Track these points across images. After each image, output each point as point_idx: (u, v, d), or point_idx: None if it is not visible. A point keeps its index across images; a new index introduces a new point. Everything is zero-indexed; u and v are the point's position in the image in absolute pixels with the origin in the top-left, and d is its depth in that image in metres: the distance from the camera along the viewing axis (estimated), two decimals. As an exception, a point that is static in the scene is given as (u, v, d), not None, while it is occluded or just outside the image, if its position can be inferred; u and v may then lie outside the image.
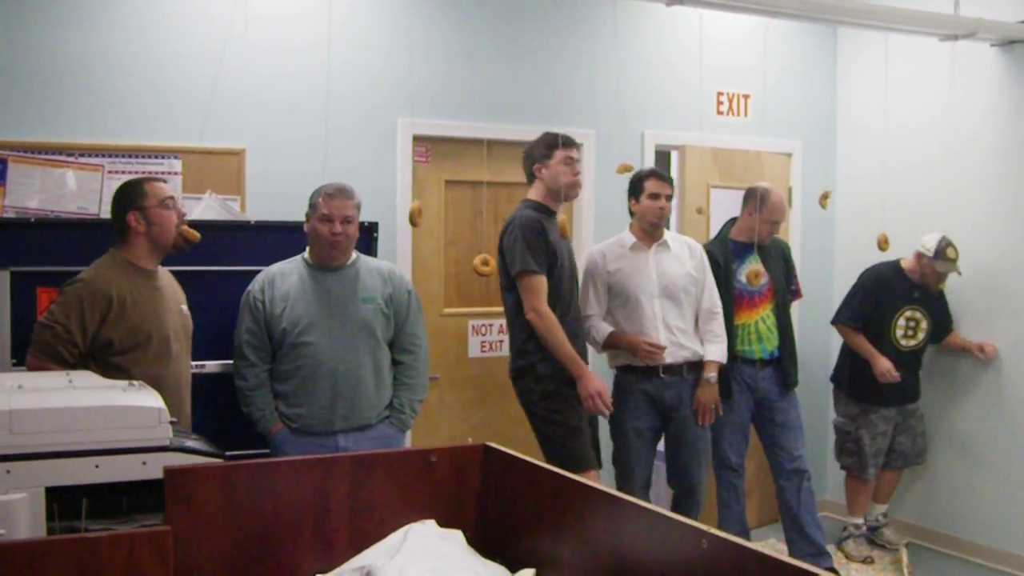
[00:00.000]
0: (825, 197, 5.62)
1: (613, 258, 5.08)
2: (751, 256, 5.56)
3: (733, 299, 5.53)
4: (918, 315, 6.03)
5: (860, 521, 6.19)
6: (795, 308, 6.05)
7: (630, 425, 5.07)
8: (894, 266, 6.08)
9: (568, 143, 4.75)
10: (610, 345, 5.08)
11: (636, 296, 5.01)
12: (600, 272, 5.09)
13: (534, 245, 4.55)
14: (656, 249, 5.09)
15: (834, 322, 6.21)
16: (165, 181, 4.06)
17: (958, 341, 6.13)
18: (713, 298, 5.23)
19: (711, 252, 5.48)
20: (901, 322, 6.00)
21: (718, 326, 5.21)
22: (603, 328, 5.06)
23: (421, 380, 4.46)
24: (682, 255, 5.16)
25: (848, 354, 6.16)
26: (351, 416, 4.23)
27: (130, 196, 3.87)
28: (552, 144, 4.72)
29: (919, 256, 5.93)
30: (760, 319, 5.59)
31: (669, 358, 5.01)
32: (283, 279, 4.24)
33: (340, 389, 4.20)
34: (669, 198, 5.09)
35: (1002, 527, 5.93)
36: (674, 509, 4.98)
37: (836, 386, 6.29)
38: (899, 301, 6.00)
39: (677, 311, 5.08)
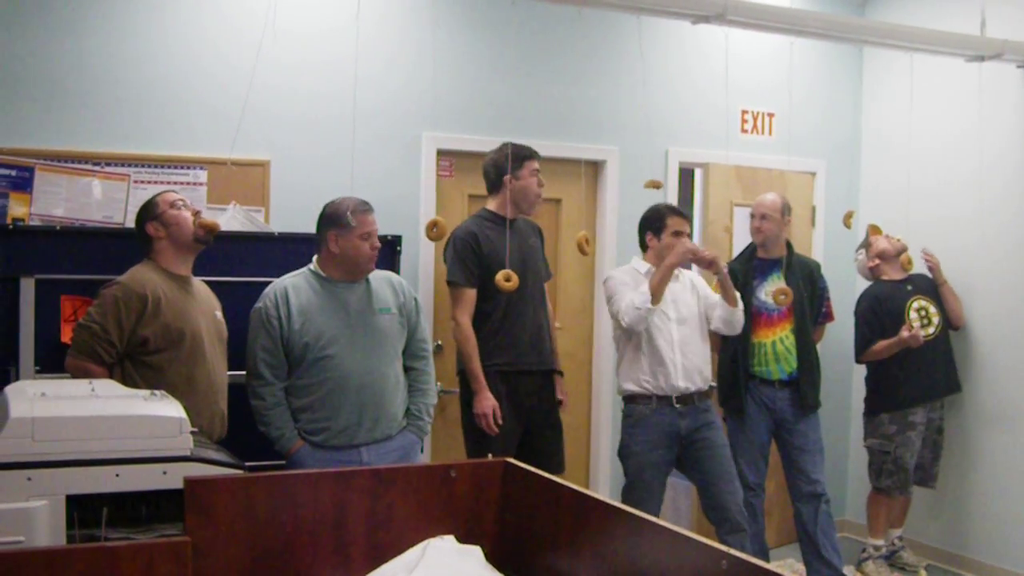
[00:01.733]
0: (849, 216, 5.60)
1: (636, 283, 5.02)
2: (775, 274, 5.55)
3: (751, 316, 5.51)
4: (923, 302, 6.02)
5: (881, 543, 6.14)
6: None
7: (644, 457, 5.02)
8: (876, 280, 6.11)
9: (535, 156, 4.91)
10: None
11: (656, 320, 4.99)
12: (631, 288, 5.03)
13: (464, 258, 4.75)
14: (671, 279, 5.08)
15: (859, 361, 6.16)
16: (175, 192, 4.19)
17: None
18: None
19: (733, 269, 5.48)
20: (912, 315, 5.95)
21: None
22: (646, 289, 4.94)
23: (432, 385, 4.51)
24: (688, 285, 5.18)
25: (875, 373, 6.08)
26: (375, 429, 4.23)
27: (144, 211, 4.05)
28: (523, 156, 4.86)
29: (869, 265, 6.09)
30: (779, 339, 5.56)
31: (683, 384, 4.98)
32: (296, 293, 4.21)
33: (366, 402, 4.19)
34: (689, 236, 5.14)
35: (1021, 549, 5.88)
36: (722, 541, 4.88)
37: (870, 412, 6.11)
38: (900, 299, 5.98)
39: (691, 339, 5.07)
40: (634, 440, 5.04)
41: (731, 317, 5.13)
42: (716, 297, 5.16)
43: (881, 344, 5.91)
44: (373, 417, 4.21)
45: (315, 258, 4.32)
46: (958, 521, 6.26)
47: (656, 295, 4.87)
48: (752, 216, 5.66)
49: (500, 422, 4.73)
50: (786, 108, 6.37)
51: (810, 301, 5.64)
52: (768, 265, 5.61)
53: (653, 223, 5.12)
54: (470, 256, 4.76)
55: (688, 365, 5.01)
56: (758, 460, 5.57)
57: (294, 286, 4.24)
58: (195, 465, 2.50)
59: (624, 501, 4.98)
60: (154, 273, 3.90)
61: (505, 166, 4.83)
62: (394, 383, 4.30)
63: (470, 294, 4.80)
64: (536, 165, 4.91)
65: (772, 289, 5.45)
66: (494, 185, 4.94)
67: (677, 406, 4.99)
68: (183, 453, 2.51)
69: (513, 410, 4.81)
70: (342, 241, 4.20)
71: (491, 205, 4.98)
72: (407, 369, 4.42)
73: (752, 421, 5.52)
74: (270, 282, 4.31)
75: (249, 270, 4.60)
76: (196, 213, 4.07)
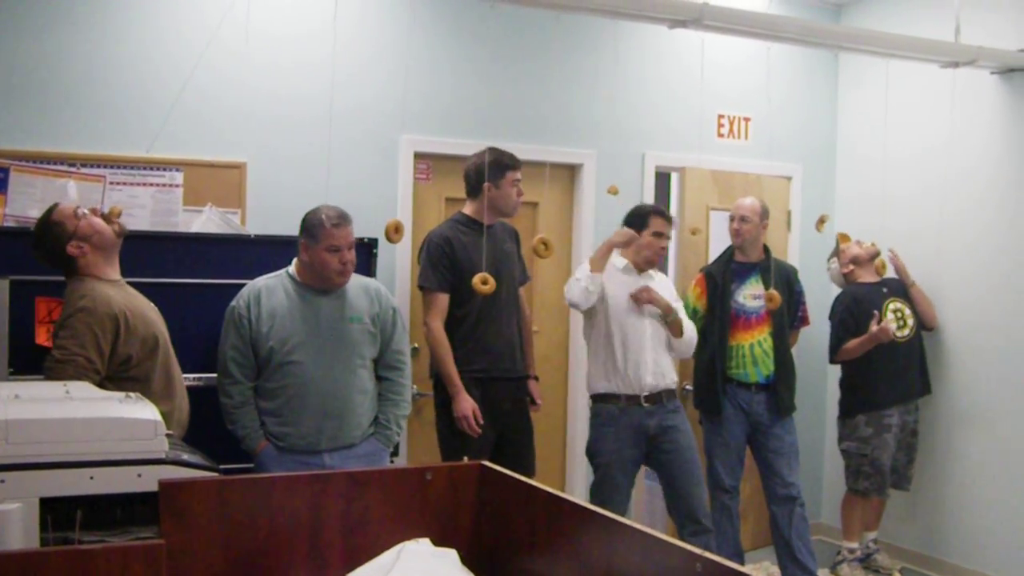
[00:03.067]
0: (822, 222, 5.63)
1: (609, 276, 5.10)
2: (753, 277, 5.59)
3: (729, 319, 5.55)
4: (899, 303, 6.07)
5: (856, 546, 6.17)
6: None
7: (613, 456, 5.08)
8: (852, 284, 6.16)
9: (517, 165, 4.91)
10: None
11: (629, 316, 5.06)
12: (602, 281, 5.08)
13: (436, 263, 4.76)
14: (644, 277, 5.18)
15: (833, 360, 6.19)
16: (61, 203, 3.95)
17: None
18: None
19: (711, 273, 5.52)
20: (889, 315, 5.99)
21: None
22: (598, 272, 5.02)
23: (406, 396, 4.51)
24: (661, 286, 5.24)
25: (850, 374, 6.10)
26: (338, 436, 4.24)
27: (51, 237, 3.78)
28: (506, 165, 4.85)
29: (843, 271, 6.17)
30: (756, 342, 5.59)
31: (651, 381, 5.05)
32: (269, 295, 4.22)
33: (328, 409, 4.20)
34: (668, 239, 5.21)
35: (994, 552, 5.93)
36: (685, 541, 4.91)
37: (846, 414, 6.14)
38: (876, 300, 6.02)
39: (661, 338, 5.15)
40: (602, 439, 5.10)
41: (679, 346, 5.24)
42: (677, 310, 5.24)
43: (853, 342, 5.94)
44: (335, 425, 4.23)
45: (294, 260, 4.32)
46: (933, 524, 6.30)
47: (593, 267, 4.96)
48: (731, 219, 5.69)
49: (481, 422, 4.75)
50: (762, 113, 6.41)
51: (787, 306, 5.65)
52: (746, 268, 5.65)
53: (636, 220, 5.16)
54: (443, 261, 4.77)
55: (659, 361, 5.08)
56: (734, 463, 5.59)
57: (268, 288, 4.24)
58: (170, 468, 2.49)
59: (592, 498, 5.09)
60: (103, 287, 3.75)
61: (484, 173, 4.82)
62: (360, 392, 4.30)
63: (442, 299, 4.80)
64: (518, 176, 4.91)
65: (750, 293, 5.51)
66: (473, 190, 4.94)
67: (645, 405, 5.05)
68: (158, 456, 2.50)
69: (487, 415, 4.82)
70: (311, 251, 4.21)
71: (467, 209, 4.98)
72: (380, 378, 4.43)
73: (728, 423, 5.54)
74: (245, 285, 4.30)
75: (225, 272, 4.59)
76: (97, 212, 3.90)
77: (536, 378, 5.21)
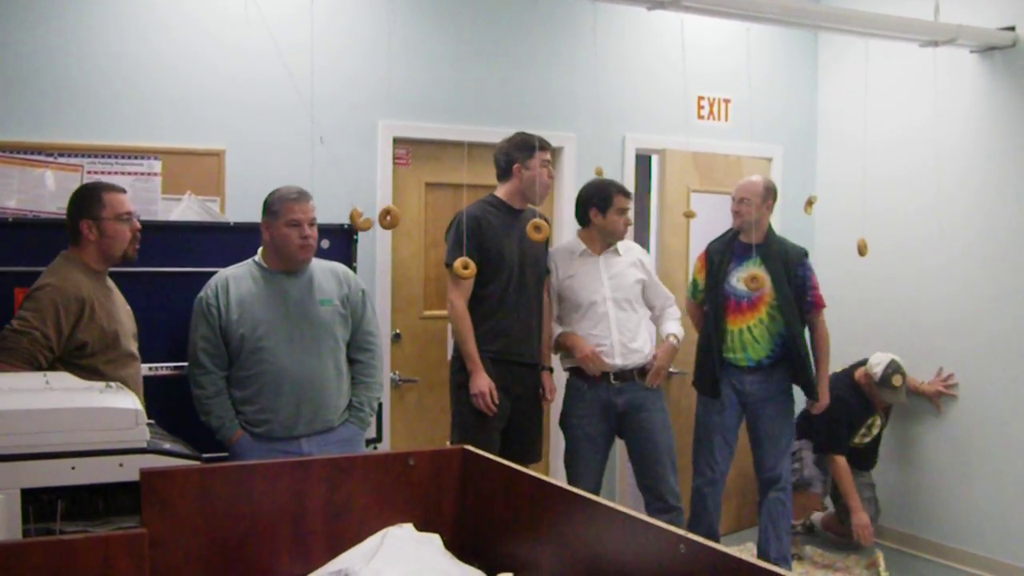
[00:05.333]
0: (810, 203, 5.60)
1: (565, 265, 5.12)
2: (751, 260, 5.41)
3: (723, 301, 5.50)
4: (874, 418, 6.16)
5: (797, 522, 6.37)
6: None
7: (580, 430, 5.12)
8: (848, 382, 6.07)
9: (545, 146, 4.91)
10: (560, 345, 5.15)
11: (590, 303, 5.07)
12: (554, 277, 5.13)
13: (463, 242, 4.63)
14: (606, 256, 5.15)
15: (826, 453, 6.16)
16: (125, 191, 3.96)
17: (915, 385, 6.18)
18: (664, 292, 5.32)
19: (711, 252, 5.52)
20: (862, 430, 6.13)
21: (674, 310, 5.32)
22: (554, 329, 5.14)
23: (378, 378, 4.49)
24: (630, 260, 5.22)
25: (824, 430, 6.09)
26: (315, 420, 4.22)
27: (86, 203, 3.83)
28: (533, 146, 4.82)
29: (867, 376, 5.95)
30: (747, 327, 5.48)
31: (620, 362, 5.06)
32: (236, 284, 4.19)
33: (304, 394, 4.18)
34: (629, 211, 5.20)
35: (975, 530, 5.97)
36: (650, 515, 4.96)
37: (805, 436, 6.21)
38: (857, 419, 6.06)
39: (629, 316, 5.13)
40: (573, 412, 5.15)
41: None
42: (658, 290, 5.29)
43: (847, 480, 6.02)
44: (312, 409, 4.21)
45: (260, 249, 4.30)
46: (915, 503, 6.33)
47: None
48: (732, 199, 5.57)
49: (496, 401, 4.75)
50: (742, 94, 6.41)
51: (792, 290, 5.47)
52: (747, 250, 5.43)
53: (599, 199, 5.10)
54: (471, 241, 4.68)
55: (625, 342, 5.07)
56: (721, 444, 5.55)
57: (235, 276, 4.22)
58: (152, 457, 2.48)
59: (566, 468, 5.19)
60: (82, 273, 3.77)
61: (515, 155, 4.86)
62: (335, 374, 4.28)
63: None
64: (547, 156, 4.92)
65: (744, 276, 5.31)
66: (504, 172, 4.95)
67: (615, 383, 5.08)
68: (139, 445, 2.49)
69: (501, 397, 4.81)
70: (272, 229, 4.19)
71: (500, 192, 4.99)
72: (352, 361, 4.41)
73: (723, 404, 5.52)
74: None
75: (205, 261, 4.57)
76: (135, 231, 3.89)
77: (551, 370, 5.20)
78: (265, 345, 4.15)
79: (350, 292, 4.37)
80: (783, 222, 6.78)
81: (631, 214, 5.20)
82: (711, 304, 5.54)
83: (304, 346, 4.20)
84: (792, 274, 5.50)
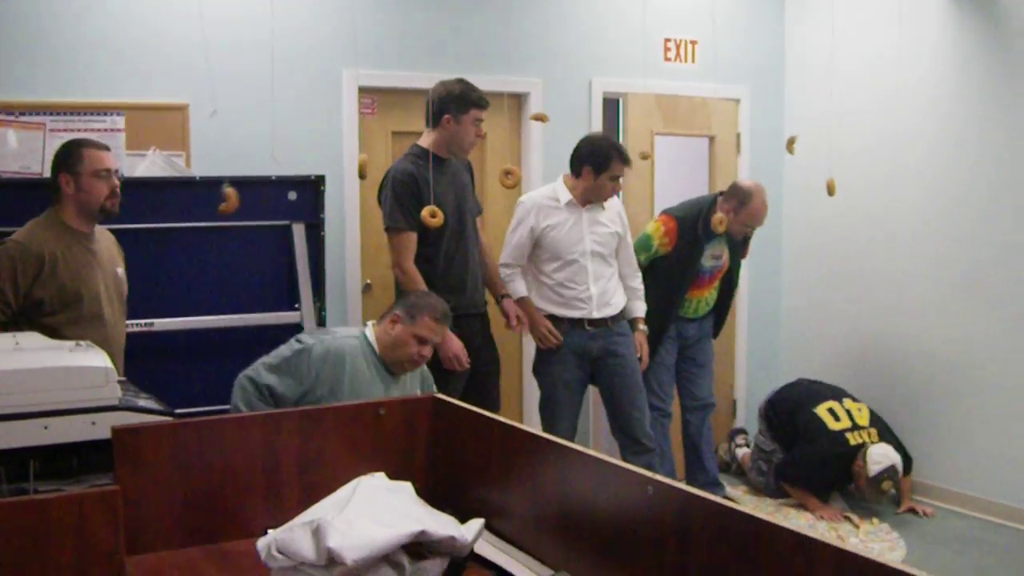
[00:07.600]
0: (792, 142, 5.61)
1: (546, 214, 5.07)
2: (715, 240, 5.66)
3: (695, 278, 5.73)
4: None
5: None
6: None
7: (556, 376, 5.15)
8: (842, 455, 5.84)
9: (483, 104, 4.78)
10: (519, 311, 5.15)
11: (571, 255, 5.06)
12: (531, 226, 5.06)
13: (404, 201, 4.60)
14: (590, 208, 5.11)
15: (787, 480, 6.05)
16: (108, 148, 3.94)
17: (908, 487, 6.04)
18: (631, 259, 5.37)
19: (685, 228, 5.62)
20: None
21: (638, 282, 5.39)
22: (519, 288, 5.12)
23: None
24: (610, 214, 5.21)
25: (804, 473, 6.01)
26: None
27: (65, 157, 3.85)
28: (472, 101, 4.73)
29: (859, 466, 5.75)
30: (703, 299, 5.86)
31: (596, 314, 5.10)
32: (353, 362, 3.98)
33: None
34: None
35: (968, 472, 6.00)
36: (627, 461, 4.96)
37: (767, 426, 6.20)
38: (834, 483, 6.00)
39: (606, 269, 5.16)
40: (547, 359, 5.17)
41: None
42: (627, 252, 5.34)
43: (807, 498, 5.93)
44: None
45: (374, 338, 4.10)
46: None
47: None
48: (740, 224, 5.67)
49: (469, 359, 4.70)
50: (708, 35, 6.39)
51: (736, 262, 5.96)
52: (712, 233, 5.53)
53: (597, 160, 5.02)
54: (409, 199, 4.61)
55: (602, 295, 5.12)
56: (667, 383, 5.85)
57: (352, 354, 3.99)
58: (124, 414, 2.49)
59: (541, 415, 5.24)
60: (54, 229, 3.77)
61: (449, 106, 4.71)
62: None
63: (411, 238, 4.66)
64: (482, 116, 4.78)
65: (711, 253, 5.70)
66: (435, 118, 4.76)
67: (589, 329, 5.11)
68: (111, 403, 2.50)
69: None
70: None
71: (424, 141, 4.80)
72: None
73: (666, 346, 5.80)
74: (192, 228, 4.28)
75: (171, 216, 4.56)
76: (112, 189, 3.85)
77: (507, 296, 5.15)
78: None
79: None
80: (752, 162, 6.81)
81: (623, 180, 5.22)
82: (678, 277, 5.68)
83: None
84: (735, 247, 5.92)
